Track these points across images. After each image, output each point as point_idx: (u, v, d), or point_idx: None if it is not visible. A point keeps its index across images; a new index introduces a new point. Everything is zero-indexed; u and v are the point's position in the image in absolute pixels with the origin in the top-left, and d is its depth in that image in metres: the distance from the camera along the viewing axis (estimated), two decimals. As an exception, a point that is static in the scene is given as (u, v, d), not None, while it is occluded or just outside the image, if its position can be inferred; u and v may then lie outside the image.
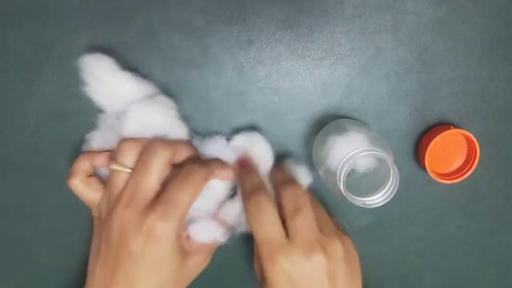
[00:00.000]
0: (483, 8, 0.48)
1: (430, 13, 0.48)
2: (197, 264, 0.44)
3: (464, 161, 0.50)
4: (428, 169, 0.48)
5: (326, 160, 0.44)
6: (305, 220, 0.41)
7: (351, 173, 0.41)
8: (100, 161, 0.45)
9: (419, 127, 0.50)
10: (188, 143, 0.46)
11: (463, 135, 0.49)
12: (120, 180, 0.42)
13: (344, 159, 0.40)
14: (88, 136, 0.47)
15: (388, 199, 0.41)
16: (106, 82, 0.45)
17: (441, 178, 0.49)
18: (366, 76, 0.49)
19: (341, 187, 0.40)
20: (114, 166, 0.42)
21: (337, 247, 0.41)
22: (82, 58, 0.44)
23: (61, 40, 0.47)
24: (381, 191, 0.41)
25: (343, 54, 0.49)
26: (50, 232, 0.50)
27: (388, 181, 0.41)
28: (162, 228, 0.39)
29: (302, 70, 0.49)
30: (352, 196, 0.41)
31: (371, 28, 0.48)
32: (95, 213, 0.45)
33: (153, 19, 0.47)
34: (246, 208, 0.42)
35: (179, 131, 0.46)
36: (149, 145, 0.42)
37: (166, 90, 0.48)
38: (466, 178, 0.49)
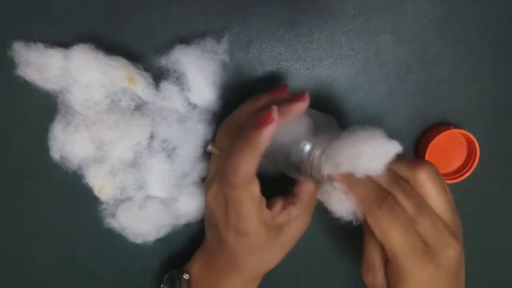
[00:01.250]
0: (483, 8, 0.48)
1: (430, 13, 0.48)
2: (293, 234, 0.43)
3: (464, 161, 0.50)
4: (428, 169, 0.48)
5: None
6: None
7: None
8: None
9: (419, 127, 0.50)
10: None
11: (463, 135, 0.48)
12: (213, 162, 0.45)
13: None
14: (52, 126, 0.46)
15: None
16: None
17: (441, 178, 0.49)
18: (366, 76, 0.49)
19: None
20: (210, 148, 0.45)
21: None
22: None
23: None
24: None
25: (343, 54, 0.49)
26: (50, 232, 0.50)
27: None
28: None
29: (302, 70, 0.49)
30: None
31: (371, 29, 0.48)
32: None
33: (153, 19, 0.47)
34: (373, 218, 0.37)
35: None
36: (241, 133, 0.39)
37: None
38: (466, 178, 0.49)
